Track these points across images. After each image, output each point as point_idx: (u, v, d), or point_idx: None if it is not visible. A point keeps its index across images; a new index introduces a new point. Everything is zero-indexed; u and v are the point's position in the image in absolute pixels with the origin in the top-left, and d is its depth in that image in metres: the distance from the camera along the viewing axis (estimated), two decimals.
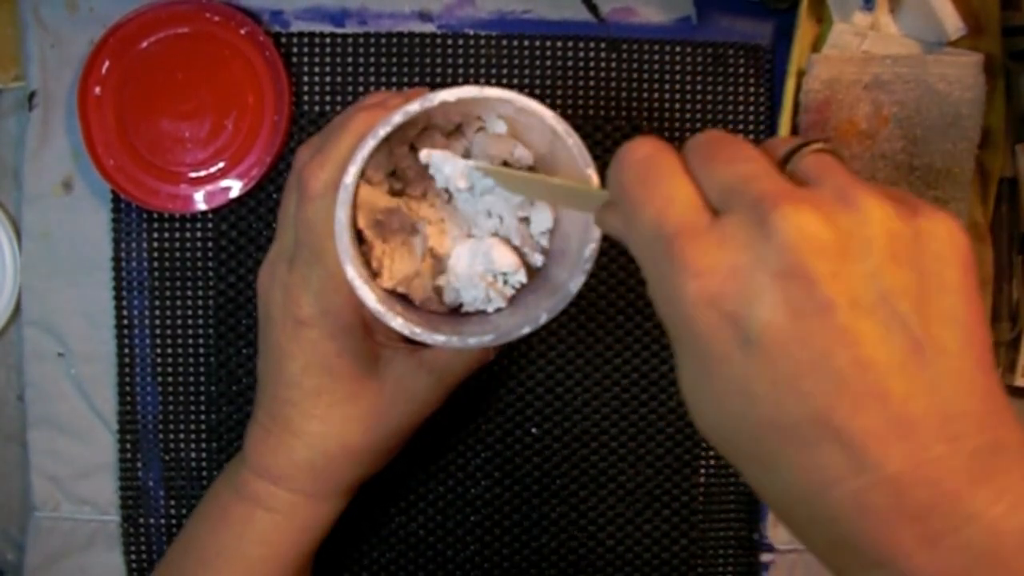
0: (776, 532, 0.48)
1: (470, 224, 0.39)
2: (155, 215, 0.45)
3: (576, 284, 0.35)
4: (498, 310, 0.38)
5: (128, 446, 0.45)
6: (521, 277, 0.38)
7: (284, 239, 0.36)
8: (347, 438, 0.36)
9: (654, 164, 0.24)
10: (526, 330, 0.35)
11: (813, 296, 0.21)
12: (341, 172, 0.33)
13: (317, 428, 0.36)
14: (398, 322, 0.34)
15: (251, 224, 0.45)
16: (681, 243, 0.22)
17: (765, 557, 0.48)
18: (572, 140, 0.35)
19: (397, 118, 0.34)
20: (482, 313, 0.39)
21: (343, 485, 0.38)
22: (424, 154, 0.37)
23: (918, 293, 0.21)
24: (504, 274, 0.38)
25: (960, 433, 0.21)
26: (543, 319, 0.35)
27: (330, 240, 0.33)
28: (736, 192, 0.22)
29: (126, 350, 0.45)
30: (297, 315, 0.35)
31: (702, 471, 0.47)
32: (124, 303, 0.45)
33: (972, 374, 0.21)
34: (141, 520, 0.45)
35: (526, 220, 0.39)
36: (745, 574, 0.47)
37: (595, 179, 0.34)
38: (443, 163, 0.36)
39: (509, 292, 0.38)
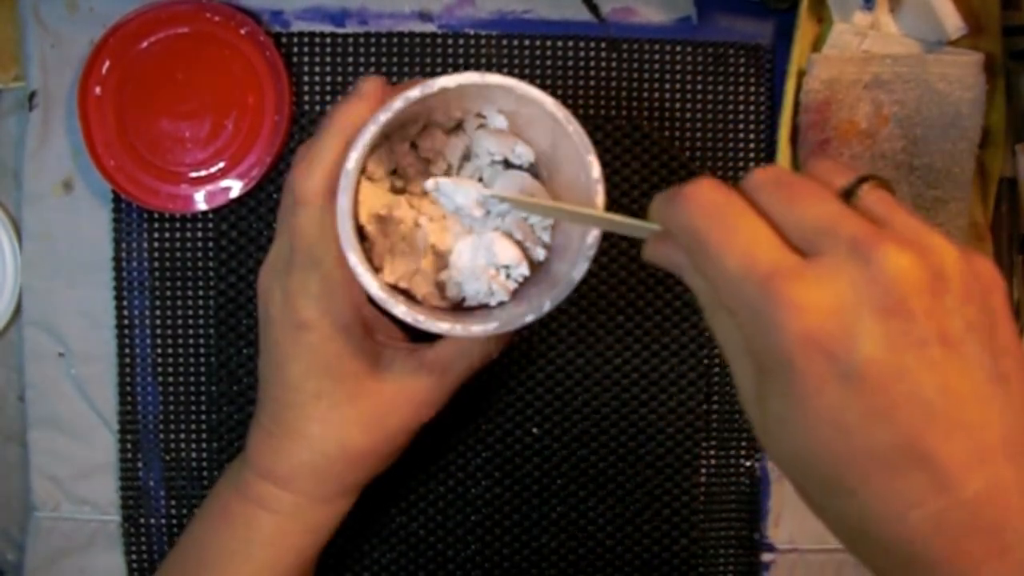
0: (776, 532, 0.48)
1: (477, 214, 0.39)
2: (155, 215, 0.45)
3: (579, 272, 0.35)
4: (501, 304, 0.39)
5: (128, 446, 0.45)
6: (524, 270, 0.38)
7: (282, 241, 0.36)
8: (348, 440, 0.36)
9: (727, 206, 0.25)
10: (529, 318, 0.35)
11: (912, 332, 0.22)
12: (330, 176, 0.33)
13: (318, 431, 0.36)
14: (401, 309, 0.34)
15: (251, 224, 0.45)
16: (779, 282, 0.23)
17: (765, 557, 0.48)
18: (572, 127, 0.35)
19: (398, 103, 0.34)
20: (485, 307, 0.39)
21: (346, 487, 0.38)
22: (431, 183, 0.37)
23: (986, 327, 0.23)
24: (507, 267, 0.38)
25: (1022, 453, 0.23)
26: (547, 307, 0.35)
27: (323, 245, 0.33)
28: (827, 233, 0.23)
29: (126, 350, 0.45)
30: (296, 318, 0.35)
31: (702, 471, 0.47)
32: (124, 303, 0.45)
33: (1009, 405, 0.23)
34: (141, 520, 0.45)
35: (525, 216, 0.39)
36: (745, 574, 0.47)
37: (596, 166, 0.34)
38: (454, 192, 0.36)
39: (512, 286, 0.38)
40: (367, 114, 0.33)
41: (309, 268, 0.34)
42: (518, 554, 0.46)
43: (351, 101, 0.34)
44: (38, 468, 0.45)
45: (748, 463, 0.47)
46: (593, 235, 0.35)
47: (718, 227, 0.24)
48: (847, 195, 0.25)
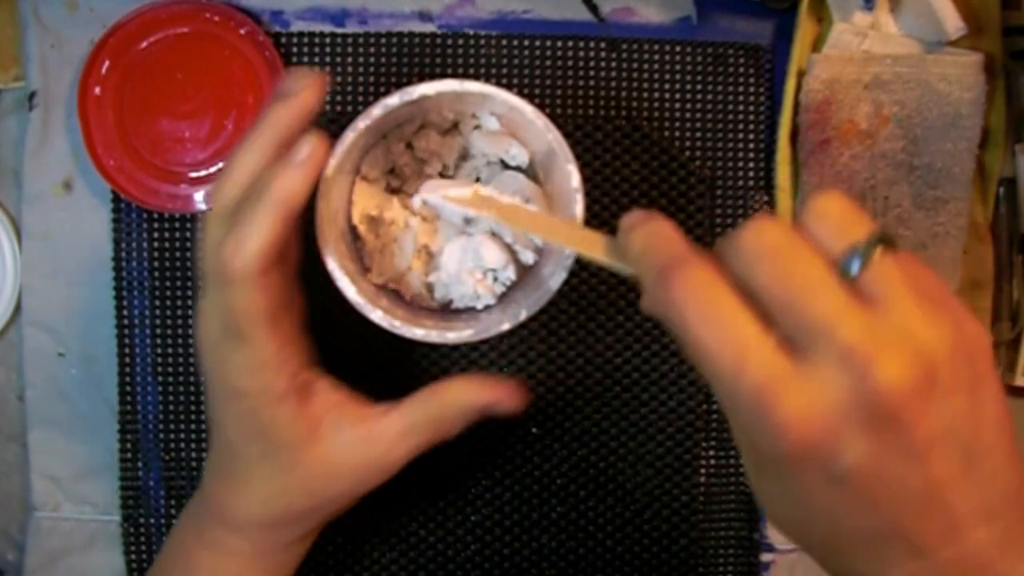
0: (776, 532, 0.48)
1: (465, 222, 0.39)
2: (155, 215, 0.45)
3: (557, 280, 0.35)
4: (488, 307, 0.39)
5: (128, 446, 0.45)
6: (510, 274, 0.38)
7: (212, 302, 0.32)
8: (293, 503, 0.35)
9: (716, 300, 0.24)
10: (505, 326, 0.35)
11: (900, 439, 0.23)
12: (265, 256, 0.30)
13: (261, 493, 0.34)
14: (377, 315, 0.34)
15: None
16: (771, 393, 0.23)
17: (765, 557, 0.48)
18: (552, 135, 0.35)
19: (376, 111, 0.34)
20: (472, 310, 0.39)
21: (299, 537, 0.37)
22: (417, 201, 0.37)
23: (971, 409, 0.24)
24: (493, 271, 0.38)
25: (995, 514, 0.24)
26: (523, 315, 0.35)
27: (254, 321, 0.31)
28: (821, 334, 0.23)
29: (126, 350, 0.45)
30: (229, 387, 0.33)
31: (702, 471, 0.47)
32: (124, 303, 0.45)
33: (1006, 460, 0.25)
34: (141, 520, 0.45)
35: None
36: (745, 574, 0.47)
37: (576, 176, 0.34)
38: (441, 209, 0.36)
39: (499, 289, 0.38)
40: (305, 187, 0.31)
41: (240, 342, 0.32)
42: (518, 554, 0.46)
43: (289, 167, 0.31)
44: (38, 468, 0.45)
45: None
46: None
47: (705, 324, 0.24)
48: (857, 255, 0.24)
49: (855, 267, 0.24)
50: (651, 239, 0.27)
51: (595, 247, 0.30)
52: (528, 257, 0.38)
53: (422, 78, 0.45)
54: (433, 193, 0.36)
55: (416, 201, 0.36)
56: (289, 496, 0.35)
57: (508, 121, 0.38)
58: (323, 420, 0.34)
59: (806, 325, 0.23)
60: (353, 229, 0.38)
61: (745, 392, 0.23)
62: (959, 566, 0.25)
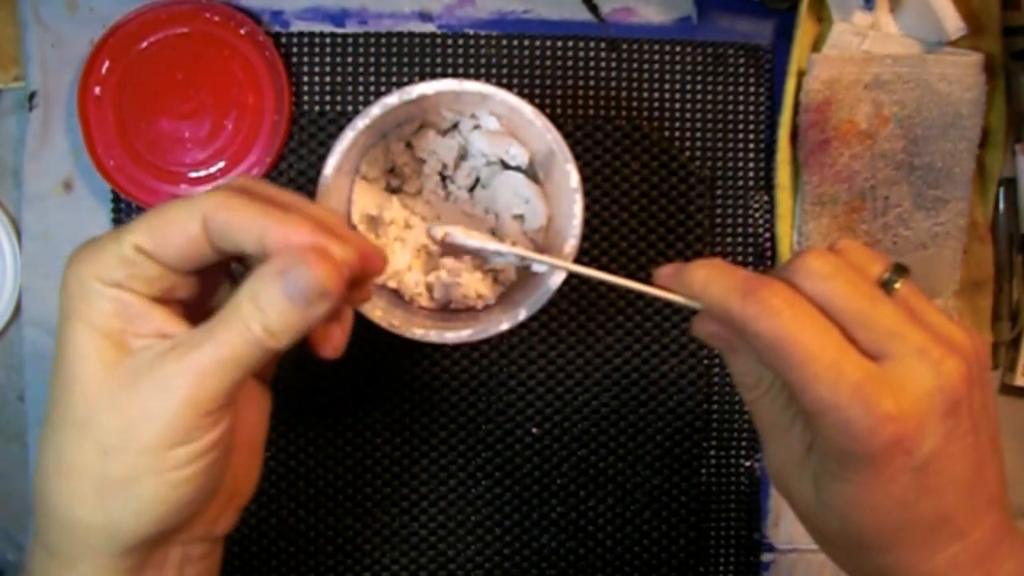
0: (776, 532, 0.48)
1: (465, 221, 0.39)
2: None
3: (556, 280, 0.35)
4: (487, 307, 0.39)
5: None
6: (510, 274, 0.38)
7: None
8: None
9: (805, 316, 0.27)
10: (505, 326, 0.35)
11: (959, 427, 0.27)
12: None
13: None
14: (376, 315, 0.34)
15: None
16: (871, 391, 0.26)
17: (765, 557, 0.48)
18: (552, 135, 0.35)
19: (375, 110, 0.34)
20: (471, 310, 0.39)
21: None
22: (437, 232, 0.34)
23: (988, 397, 0.28)
24: (492, 271, 0.38)
25: (1001, 495, 0.28)
26: (523, 315, 0.35)
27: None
28: (895, 338, 0.27)
29: None
30: None
31: (702, 471, 0.47)
32: None
33: (998, 459, 0.29)
34: None
35: (520, 218, 0.39)
36: (745, 574, 0.47)
37: (575, 176, 0.34)
38: (463, 241, 0.35)
39: (499, 289, 0.38)
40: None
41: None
42: (518, 554, 0.46)
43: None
44: None
45: (748, 463, 0.47)
46: (570, 244, 0.35)
47: (805, 332, 0.26)
48: (885, 286, 0.28)
49: (893, 287, 0.28)
50: (715, 267, 0.29)
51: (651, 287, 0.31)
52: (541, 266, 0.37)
53: (422, 78, 0.45)
54: (457, 232, 0.34)
55: (436, 233, 0.34)
56: None
57: (508, 121, 0.38)
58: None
59: (882, 330, 0.27)
60: (353, 228, 0.38)
61: (846, 391, 0.26)
62: (983, 546, 0.28)
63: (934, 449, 0.26)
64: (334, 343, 0.30)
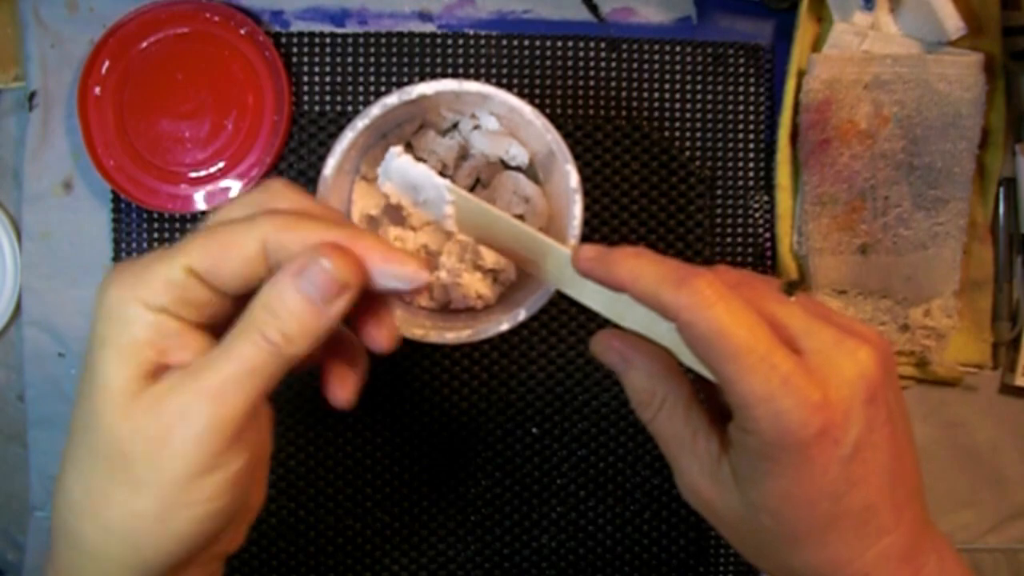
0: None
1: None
2: (155, 215, 0.45)
3: None
4: (487, 308, 0.38)
5: None
6: (510, 274, 0.38)
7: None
8: None
9: (737, 301, 0.27)
10: (505, 326, 0.35)
11: (879, 414, 0.27)
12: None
13: None
14: None
15: None
16: (797, 382, 0.26)
17: None
18: (552, 135, 0.35)
19: (375, 111, 0.34)
20: (471, 310, 0.39)
21: None
22: (380, 171, 0.33)
23: (899, 390, 0.29)
24: (492, 271, 0.38)
25: (920, 488, 0.29)
26: (522, 315, 0.35)
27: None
28: (812, 333, 0.27)
29: None
30: None
31: None
32: None
33: (914, 451, 0.29)
34: None
35: (520, 218, 0.39)
36: (745, 574, 0.47)
37: (575, 176, 0.34)
38: (406, 171, 0.33)
39: (498, 290, 0.38)
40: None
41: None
42: (518, 554, 0.46)
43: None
44: (38, 468, 0.45)
45: None
46: (570, 244, 0.35)
47: (738, 323, 0.26)
48: (787, 288, 0.29)
49: (793, 294, 0.29)
50: (642, 257, 0.28)
51: (545, 253, 0.30)
52: None
53: (422, 78, 0.45)
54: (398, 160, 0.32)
55: (379, 172, 0.33)
56: None
57: (507, 121, 0.38)
58: None
59: (796, 327, 0.27)
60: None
61: (778, 382, 0.26)
62: (907, 541, 0.28)
63: (858, 438, 0.27)
64: (347, 390, 0.30)
